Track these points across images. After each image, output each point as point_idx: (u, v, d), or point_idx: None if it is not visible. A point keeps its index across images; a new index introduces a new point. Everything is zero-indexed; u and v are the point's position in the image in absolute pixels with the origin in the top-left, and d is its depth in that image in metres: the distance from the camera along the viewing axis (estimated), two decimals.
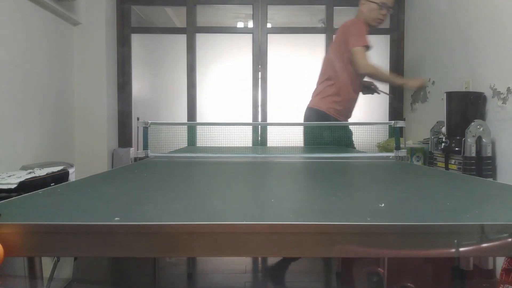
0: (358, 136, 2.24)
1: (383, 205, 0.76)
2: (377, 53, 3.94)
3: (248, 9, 3.97)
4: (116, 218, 0.64)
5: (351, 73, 2.54)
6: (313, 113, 2.65)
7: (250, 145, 3.48)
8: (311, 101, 2.73)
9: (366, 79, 2.71)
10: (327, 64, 2.66)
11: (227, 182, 1.11)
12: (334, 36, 2.67)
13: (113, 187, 1.00)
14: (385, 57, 3.93)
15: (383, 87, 2.88)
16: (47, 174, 2.12)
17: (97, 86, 3.53)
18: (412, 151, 3.02)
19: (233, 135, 2.52)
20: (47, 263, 1.92)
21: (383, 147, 3.08)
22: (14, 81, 2.55)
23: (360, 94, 2.77)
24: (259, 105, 3.91)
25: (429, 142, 2.80)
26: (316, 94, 2.71)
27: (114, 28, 3.76)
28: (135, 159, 1.89)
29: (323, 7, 3.94)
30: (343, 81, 2.56)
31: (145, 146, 1.91)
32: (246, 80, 3.89)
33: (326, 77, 2.64)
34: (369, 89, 2.83)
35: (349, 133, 2.64)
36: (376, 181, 1.16)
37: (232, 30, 3.99)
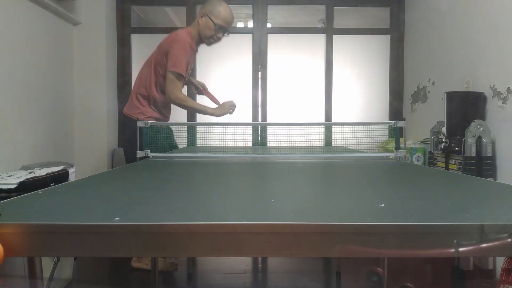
0: (358, 136, 2.23)
1: (383, 205, 0.76)
2: (377, 53, 3.95)
3: (248, 9, 3.97)
4: (116, 218, 0.64)
5: (161, 88, 2.39)
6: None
7: (250, 145, 3.48)
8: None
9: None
10: (147, 66, 2.44)
11: (227, 182, 1.11)
12: (161, 42, 2.39)
13: (113, 187, 1.00)
14: (385, 57, 3.93)
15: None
16: (47, 174, 2.12)
17: (97, 86, 3.53)
18: (412, 151, 3.02)
19: (233, 135, 2.51)
20: (47, 263, 1.92)
21: (383, 147, 3.08)
22: (14, 81, 2.55)
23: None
24: (259, 105, 3.91)
25: (429, 142, 2.80)
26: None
27: (114, 28, 3.76)
28: (136, 159, 1.89)
29: (323, 7, 3.94)
30: (151, 91, 2.39)
31: (145, 146, 1.91)
32: (246, 80, 3.89)
33: (143, 81, 2.43)
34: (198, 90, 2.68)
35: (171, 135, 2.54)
36: (376, 181, 1.16)
37: (232, 30, 3.98)
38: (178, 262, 2.64)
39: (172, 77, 2.28)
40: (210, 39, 2.41)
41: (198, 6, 3.90)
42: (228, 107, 2.47)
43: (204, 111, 2.46)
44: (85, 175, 1.19)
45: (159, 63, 2.35)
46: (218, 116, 2.47)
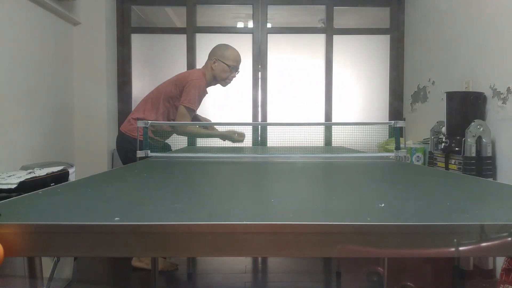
0: (358, 136, 2.23)
1: (383, 205, 0.76)
2: (377, 53, 3.95)
3: (248, 9, 3.97)
4: (116, 218, 0.64)
5: (166, 116, 2.51)
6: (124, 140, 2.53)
7: (250, 145, 3.48)
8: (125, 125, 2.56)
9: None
10: (156, 95, 2.53)
11: (227, 182, 1.11)
12: (177, 77, 2.52)
13: (113, 187, 1.00)
14: (385, 57, 3.93)
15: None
16: (47, 174, 2.12)
17: (97, 86, 3.53)
18: (412, 151, 3.02)
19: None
20: (47, 263, 1.92)
21: (383, 147, 3.08)
22: (14, 81, 2.55)
23: None
24: (259, 105, 3.91)
25: (429, 142, 2.80)
26: (131, 119, 2.52)
27: (114, 28, 3.76)
28: (137, 158, 1.89)
29: (323, 7, 3.94)
30: (156, 119, 2.48)
31: (145, 146, 1.91)
32: (246, 80, 3.89)
33: (149, 106, 2.51)
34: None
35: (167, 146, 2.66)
36: (376, 181, 1.16)
37: (232, 30, 3.99)
38: (178, 262, 2.64)
39: (184, 111, 2.41)
40: (227, 80, 2.60)
41: (198, 6, 3.91)
42: (236, 135, 2.54)
43: (215, 135, 2.57)
44: (85, 175, 1.19)
45: (171, 95, 2.47)
46: (224, 138, 2.55)
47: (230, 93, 3.85)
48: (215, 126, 2.61)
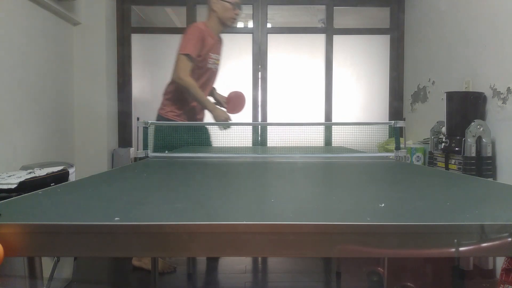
0: (358, 136, 2.23)
1: (383, 205, 0.76)
2: (377, 53, 3.95)
3: (248, 9, 3.97)
4: (116, 218, 0.64)
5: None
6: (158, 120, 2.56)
7: (250, 145, 3.47)
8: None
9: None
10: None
11: (227, 182, 1.11)
12: None
13: (113, 187, 1.00)
14: (385, 57, 3.93)
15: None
16: (47, 174, 2.12)
17: (97, 86, 3.53)
18: (412, 151, 3.02)
19: (233, 135, 2.52)
20: (47, 263, 1.92)
21: (383, 147, 3.08)
22: (14, 81, 2.55)
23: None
24: (259, 105, 3.91)
25: (429, 142, 2.80)
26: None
27: (114, 28, 3.76)
28: (135, 159, 1.89)
29: (323, 7, 3.94)
30: (170, 87, 2.52)
31: (145, 146, 1.91)
32: (246, 80, 3.89)
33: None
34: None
35: (206, 134, 2.65)
36: (376, 181, 1.16)
37: (232, 30, 3.98)
38: (178, 262, 2.64)
39: (178, 59, 2.38)
40: (232, 19, 2.53)
41: (198, 6, 3.90)
42: (224, 118, 2.51)
43: (204, 103, 2.49)
44: (85, 175, 1.19)
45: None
46: (214, 116, 2.50)
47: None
48: (210, 101, 2.54)
